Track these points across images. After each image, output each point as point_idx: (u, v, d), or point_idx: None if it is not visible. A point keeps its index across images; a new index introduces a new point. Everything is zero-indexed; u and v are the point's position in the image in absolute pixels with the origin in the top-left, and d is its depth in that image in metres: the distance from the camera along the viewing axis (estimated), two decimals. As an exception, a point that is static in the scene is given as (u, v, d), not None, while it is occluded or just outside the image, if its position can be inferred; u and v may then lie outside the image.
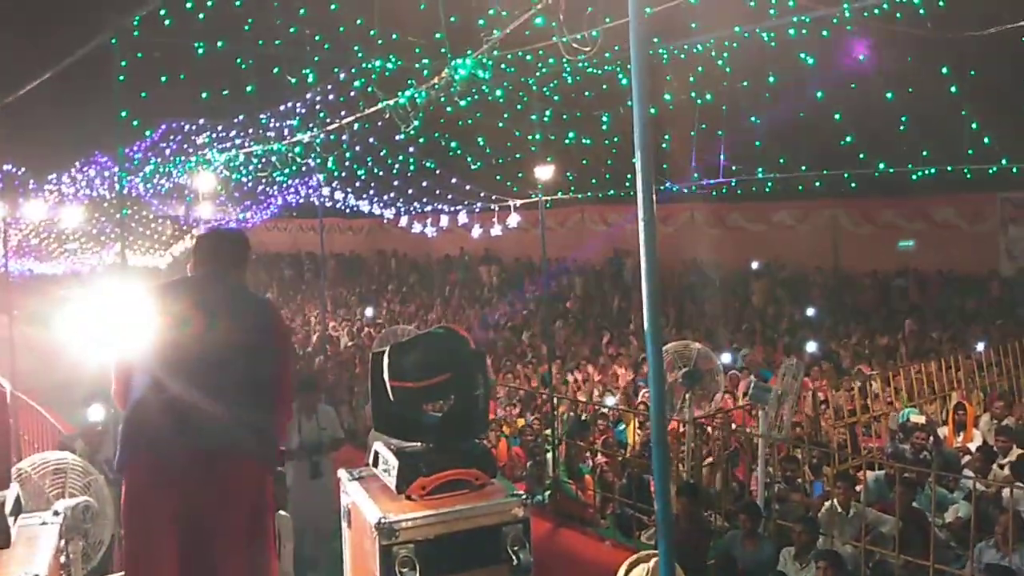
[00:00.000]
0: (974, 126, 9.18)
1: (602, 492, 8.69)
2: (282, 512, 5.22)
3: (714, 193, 12.79)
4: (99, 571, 4.56)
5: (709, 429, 8.75)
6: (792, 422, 8.35)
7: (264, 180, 14.11)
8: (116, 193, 10.34)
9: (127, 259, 8.75)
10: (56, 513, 2.95)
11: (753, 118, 10.11)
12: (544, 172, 9.32)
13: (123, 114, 6.40)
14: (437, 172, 13.25)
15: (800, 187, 12.38)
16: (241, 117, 10.14)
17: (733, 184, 11.68)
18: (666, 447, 2.76)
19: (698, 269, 17.93)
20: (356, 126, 7.86)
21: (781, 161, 11.30)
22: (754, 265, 17.87)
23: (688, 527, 6.86)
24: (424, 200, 16.10)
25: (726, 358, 10.60)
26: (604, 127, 9.87)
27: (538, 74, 8.52)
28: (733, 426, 9.09)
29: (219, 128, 10.82)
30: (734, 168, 11.29)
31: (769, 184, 11.74)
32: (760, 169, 11.49)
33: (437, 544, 2.83)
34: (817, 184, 11.91)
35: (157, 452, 2.92)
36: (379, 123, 8.32)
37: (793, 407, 8.18)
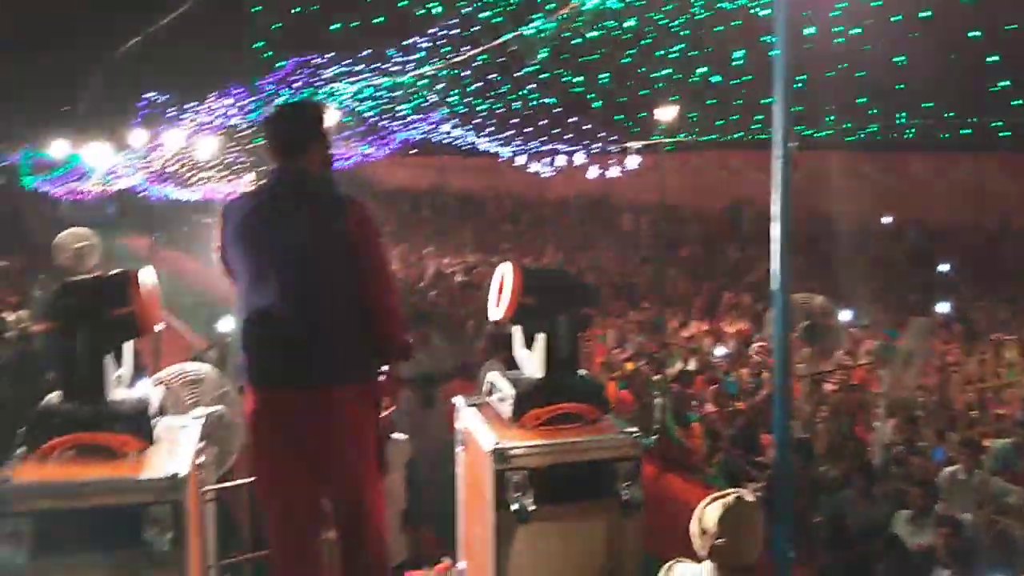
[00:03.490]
0: None
1: (710, 441, 8.61)
2: (397, 435, 5.41)
3: (849, 138, 12.04)
4: (227, 478, 4.88)
5: (827, 385, 8.50)
6: (917, 384, 8.01)
7: (387, 116, 14.30)
8: (249, 123, 10.74)
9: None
10: (195, 417, 3.14)
11: (898, 58, 9.36)
12: (666, 113, 9.06)
13: (258, 45, 6.57)
14: (557, 110, 13.04)
15: (945, 135, 11.51)
16: (368, 52, 10.25)
17: (873, 130, 10.95)
18: (789, 398, 2.68)
19: (825, 220, 17.18)
20: (481, 59, 7.80)
21: (925, 107, 10.50)
22: (886, 219, 16.96)
23: (798, 483, 6.73)
24: (542, 139, 15.98)
25: (850, 314, 10.17)
26: (738, 64, 9.33)
27: (668, 7, 8.17)
28: (852, 384, 8.79)
29: (347, 62, 11.00)
30: (872, 112, 10.57)
31: (911, 131, 10.95)
32: (902, 115, 10.72)
33: (549, 473, 2.87)
34: (964, 133, 11.02)
35: (256, 380, 2.94)
36: (500, 59, 8.25)
37: (920, 369, 7.82)
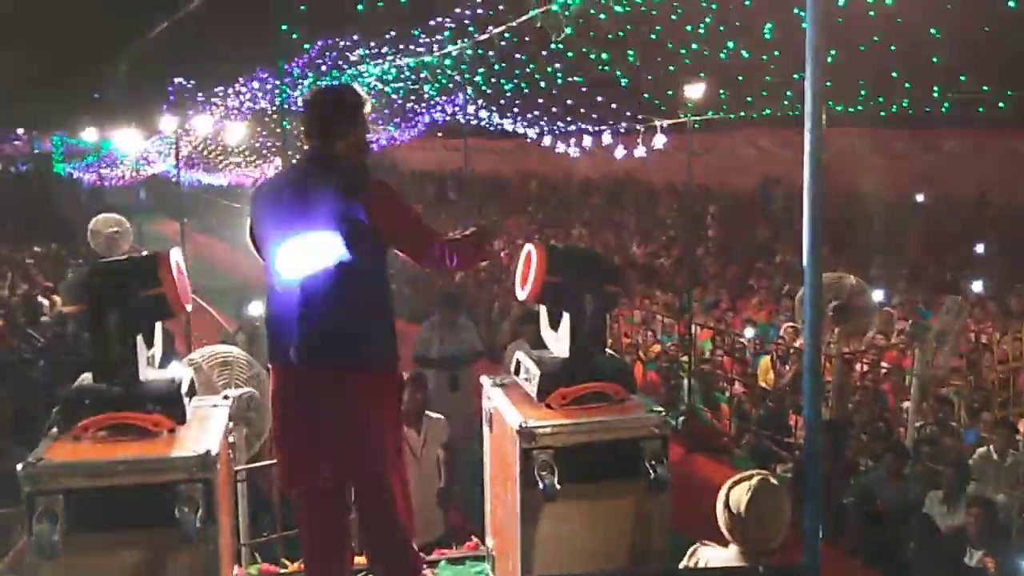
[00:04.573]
0: None
1: (739, 422, 8.57)
2: (432, 414, 5.45)
3: (883, 113, 11.71)
4: (257, 458, 4.95)
5: (857, 366, 8.41)
6: (950, 364, 7.88)
7: (413, 97, 14.23)
8: (277, 107, 10.78)
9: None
10: (226, 397, 3.17)
11: (933, 30, 9.04)
12: (694, 90, 8.94)
13: (283, 27, 6.58)
14: (583, 89, 12.88)
15: (980, 108, 11.17)
16: (392, 32, 10.22)
17: (905, 105, 10.64)
18: (819, 377, 2.63)
19: (857, 199, 16.94)
20: (507, 36, 7.71)
21: (962, 80, 10.18)
22: (919, 197, 16.63)
23: (827, 464, 6.68)
24: (568, 119, 15.85)
25: (881, 294, 10.02)
26: (767, 36, 9.06)
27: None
28: (884, 365, 8.68)
29: (371, 44, 10.99)
30: (907, 86, 10.24)
31: (946, 105, 10.63)
32: (936, 89, 10.41)
33: (576, 452, 2.86)
34: (1001, 106, 10.69)
35: (275, 359, 2.96)
36: (526, 38, 8.17)
37: (953, 348, 7.69)
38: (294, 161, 3.12)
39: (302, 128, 3.02)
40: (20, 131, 40.83)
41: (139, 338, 2.77)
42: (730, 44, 9.46)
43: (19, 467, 2.51)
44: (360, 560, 3.45)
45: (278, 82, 7.99)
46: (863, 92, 10.70)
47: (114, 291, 2.74)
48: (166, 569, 2.59)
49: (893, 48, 9.46)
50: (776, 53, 9.40)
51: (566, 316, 3.11)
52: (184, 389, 2.84)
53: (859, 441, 7.61)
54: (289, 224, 2.85)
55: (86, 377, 2.83)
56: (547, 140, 19.06)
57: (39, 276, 16.13)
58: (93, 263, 2.95)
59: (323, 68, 12.33)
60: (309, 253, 2.82)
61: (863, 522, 6.36)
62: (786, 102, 10.98)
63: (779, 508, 2.64)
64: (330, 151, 2.92)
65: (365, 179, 2.89)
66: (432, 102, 16.04)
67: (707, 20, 8.80)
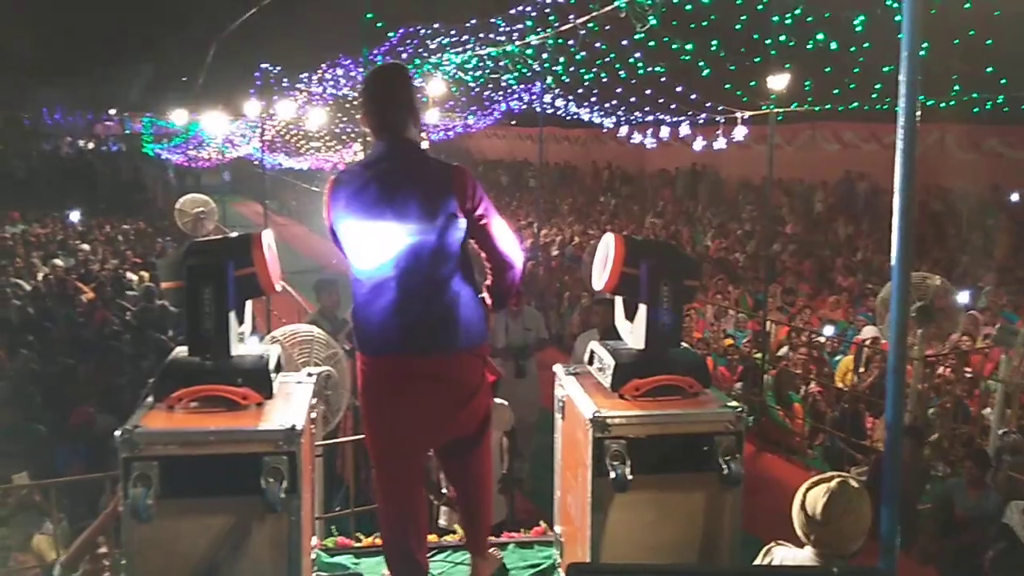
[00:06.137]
0: None
1: (812, 422, 8.41)
2: (499, 400, 5.51)
3: (975, 110, 11.20)
4: (332, 436, 5.10)
5: (940, 369, 8.15)
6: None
7: (490, 86, 14.25)
8: (358, 94, 10.96)
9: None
10: (309, 375, 3.27)
11: None
12: (778, 81, 8.74)
13: (368, 16, 6.70)
14: (663, 79, 12.70)
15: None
16: (474, 20, 10.26)
17: (1000, 101, 10.14)
18: (902, 379, 2.57)
19: (945, 196, 16.32)
20: (589, 25, 7.67)
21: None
22: (1014, 197, 15.91)
23: (903, 468, 6.51)
24: (646, 109, 15.65)
25: (967, 296, 9.65)
26: (859, 29, 8.74)
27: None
28: (967, 369, 8.38)
29: (452, 32, 11.07)
30: (1002, 82, 9.75)
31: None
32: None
33: (648, 444, 2.86)
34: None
35: (372, 348, 3.02)
36: (607, 27, 8.12)
37: (1042, 355, 7.38)
38: (371, 153, 3.08)
39: (367, 119, 3.01)
40: (112, 111, 42.61)
41: (231, 315, 2.88)
42: (819, 35, 9.15)
43: (117, 433, 2.63)
44: (431, 538, 3.56)
45: (361, 69, 8.13)
46: (956, 87, 10.25)
47: (210, 270, 2.85)
48: (251, 536, 2.69)
49: (990, 43, 9.04)
50: (866, 45, 9.08)
51: (642, 308, 3.10)
52: (271, 365, 2.94)
53: (938, 447, 7.40)
54: (381, 217, 2.89)
55: (181, 350, 2.95)
56: (623, 130, 18.86)
57: (128, 252, 16.85)
58: (190, 243, 3.08)
59: (404, 56, 12.49)
60: (403, 244, 2.89)
61: (939, 530, 6.19)
62: (874, 95, 10.59)
63: (857, 512, 2.57)
64: (405, 139, 2.97)
65: (453, 168, 2.98)
66: (510, 91, 16.05)
67: (797, 11, 8.54)
